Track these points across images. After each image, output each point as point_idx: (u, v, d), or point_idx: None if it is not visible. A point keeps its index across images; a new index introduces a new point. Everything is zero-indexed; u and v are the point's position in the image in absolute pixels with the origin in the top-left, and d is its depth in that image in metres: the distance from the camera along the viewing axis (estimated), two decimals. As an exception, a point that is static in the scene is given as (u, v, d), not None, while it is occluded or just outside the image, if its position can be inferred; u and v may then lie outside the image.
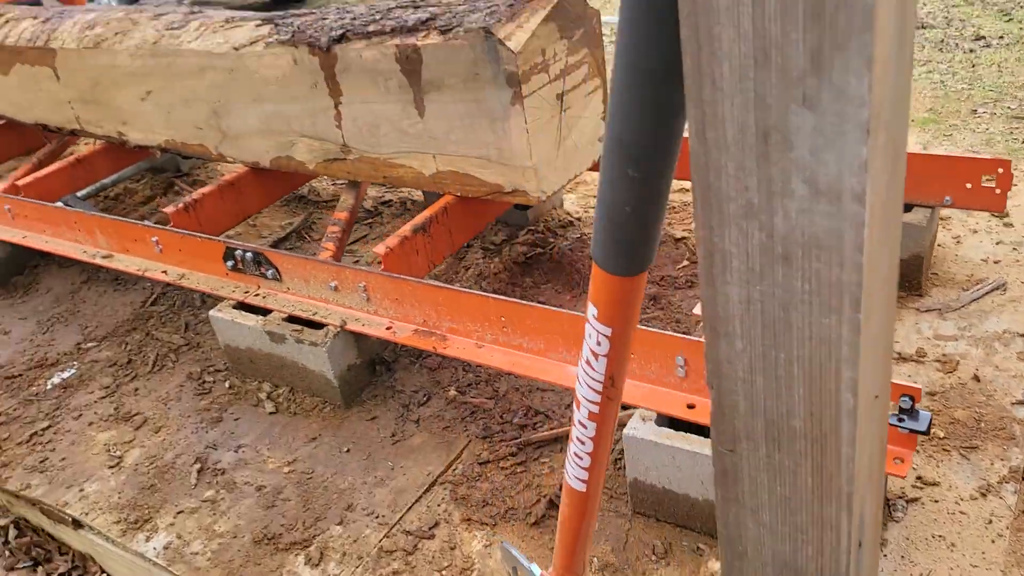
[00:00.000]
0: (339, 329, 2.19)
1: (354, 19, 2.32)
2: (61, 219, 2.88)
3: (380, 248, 2.19)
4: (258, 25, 2.56)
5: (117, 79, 2.97)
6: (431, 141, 2.29)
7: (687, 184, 2.85)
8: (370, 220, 3.19)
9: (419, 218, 2.31)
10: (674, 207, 2.89)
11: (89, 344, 2.76)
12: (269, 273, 2.35)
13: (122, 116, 3.08)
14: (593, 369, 0.90)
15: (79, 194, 3.20)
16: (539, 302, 2.49)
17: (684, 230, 2.71)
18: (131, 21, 2.93)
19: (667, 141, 0.74)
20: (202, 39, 2.66)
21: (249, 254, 2.36)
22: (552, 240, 2.75)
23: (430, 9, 2.22)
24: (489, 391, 2.19)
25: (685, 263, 2.54)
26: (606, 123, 0.77)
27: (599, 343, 0.89)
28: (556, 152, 2.22)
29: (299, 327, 2.24)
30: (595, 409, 0.93)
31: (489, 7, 2.08)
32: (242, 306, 2.40)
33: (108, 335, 2.79)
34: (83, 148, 4.03)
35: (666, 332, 1.72)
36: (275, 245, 3.10)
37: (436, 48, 2.12)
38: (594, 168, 2.40)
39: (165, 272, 2.60)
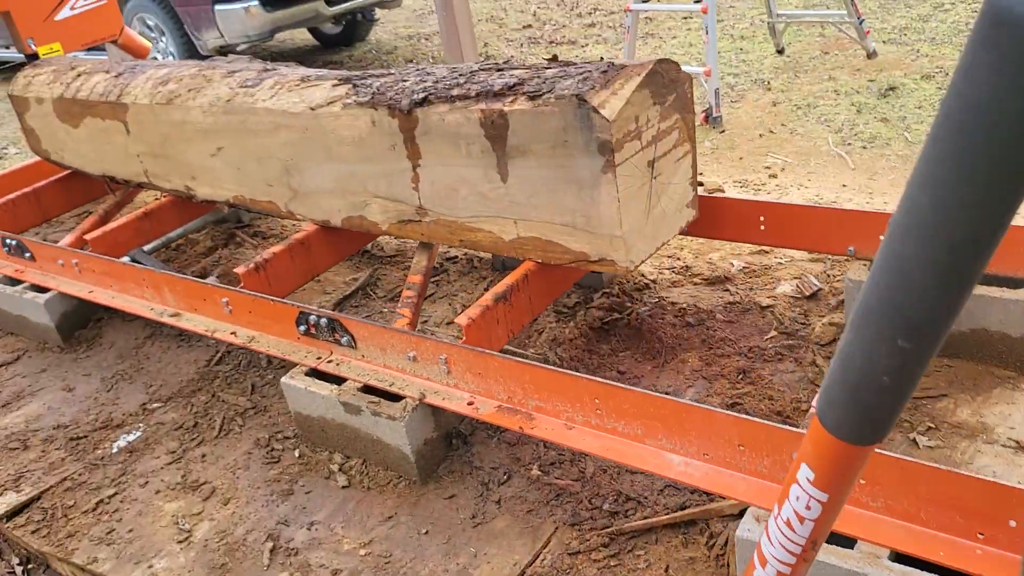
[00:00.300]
0: (418, 402, 2.11)
1: (436, 82, 2.27)
2: (129, 276, 2.85)
3: (462, 319, 2.10)
4: (335, 85, 2.53)
5: (188, 135, 2.96)
6: (512, 206, 2.22)
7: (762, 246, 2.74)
8: (436, 278, 3.13)
9: (500, 286, 2.23)
10: (754, 270, 2.78)
11: (154, 405, 2.71)
12: (344, 340, 2.28)
13: (191, 171, 3.07)
14: (794, 532, 0.80)
15: (145, 248, 3.19)
16: (618, 372, 2.39)
17: (768, 297, 2.60)
18: (204, 78, 2.92)
19: (955, 312, 0.64)
20: (277, 98, 2.64)
21: (324, 320, 2.30)
22: (629, 304, 2.65)
23: (516, 73, 2.16)
24: (575, 471, 2.09)
25: (773, 333, 2.43)
26: (869, 279, 0.68)
27: (809, 508, 0.78)
28: (645, 220, 2.13)
29: (376, 398, 2.16)
30: (786, 570, 0.83)
31: (581, 73, 2.01)
32: (315, 373, 2.33)
33: (173, 395, 2.74)
34: (148, 200, 4.05)
35: (783, 427, 1.60)
36: (340, 303, 3.04)
37: (524, 114, 2.05)
38: (680, 233, 2.31)
39: (234, 334, 2.55)
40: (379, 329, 2.19)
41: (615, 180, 1.98)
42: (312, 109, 2.52)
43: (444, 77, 2.28)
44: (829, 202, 3.74)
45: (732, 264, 2.82)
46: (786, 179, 4.17)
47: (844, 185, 3.97)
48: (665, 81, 2.07)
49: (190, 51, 6.85)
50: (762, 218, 2.41)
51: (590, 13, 8.49)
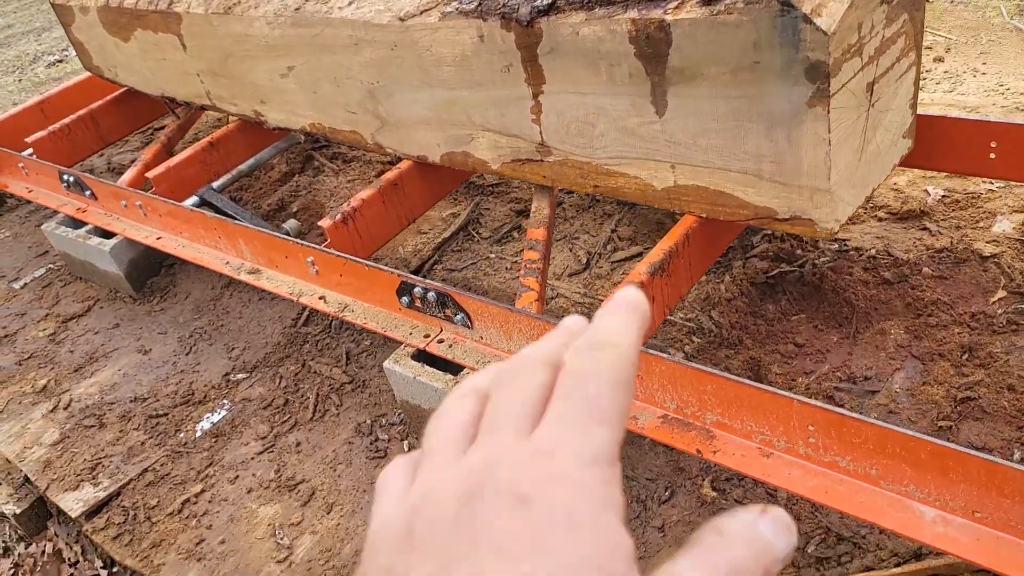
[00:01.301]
0: (556, 404, 1.68)
1: (565, -19, 1.71)
2: (199, 223, 2.46)
3: (613, 303, 1.63)
4: (428, -14, 1.99)
5: (252, 51, 2.48)
6: (670, 146, 1.70)
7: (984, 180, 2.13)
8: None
9: (656, 253, 1.73)
10: (957, 200, 2.21)
11: (239, 376, 2.37)
12: (457, 318, 1.85)
13: (259, 94, 2.60)
14: None
15: (215, 185, 2.78)
16: (795, 345, 1.91)
17: (987, 241, 2.03)
18: (266, -20, 2.40)
19: None
20: (356, 5, 2.11)
21: (432, 294, 1.86)
22: (802, 253, 2.13)
23: (678, -35, 1.59)
24: (760, 492, 1.65)
25: (1002, 293, 1.88)
26: None
27: None
28: (857, 164, 1.59)
29: (502, 397, 1.74)
30: None
31: (781, -36, 1.43)
32: (423, 355, 1.92)
33: (259, 363, 2.39)
34: (215, 121, 3.63)
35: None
36: (440, 247, 2.60)
37: (695, 25, 1.50)
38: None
39: (324, 299, 2.15)
40: (503, 311, 1.74)
41: (827, 115, 1.44)
42: (402, 20, 1.99)
43: (575, -27, 1.72)
44: (1016, 91, 3.05)
45: (928, 192, 2.24)
46: (954, 63, 3.45)
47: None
48: (896, -32, 1.48)
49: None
50: (993, 144, 1.82)
51: None
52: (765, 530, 0.37)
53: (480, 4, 1.82)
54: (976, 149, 1.84)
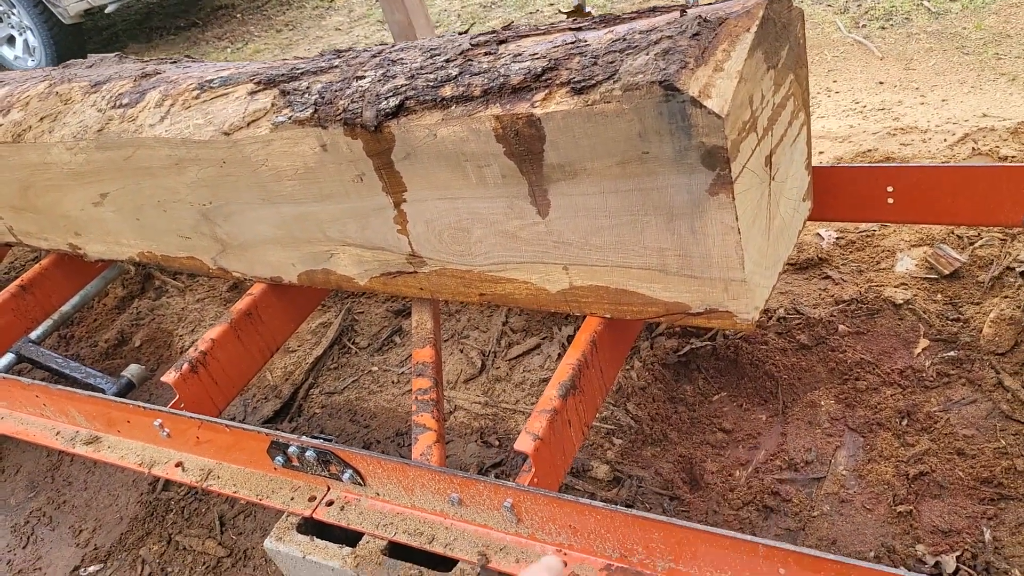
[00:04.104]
0: (479, 569, 1.42)
1: (411, 76, 1.48)
2: (17, 391, 2.06)
3: (525, 445, 1.39)
4: (253, 92, 1.71)
5: (56, 180, 2.12)
6: (559, 247, 1.49)
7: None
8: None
9: (563, 371, 1.51)
10: (853, 241, 2.11)
11: (91, 569, 1.98)
12: (345, 475, 1.57)
13: (72, 226, 2.24)
14: None
15: (33, 336, 2.37)
16: (722, 432, 1.75)
17: (899, 286, 1.93)
18: (60, 98, 2.05)
19: None
20: (170, 120, 1.81)
21: (310, 452, 1.57)
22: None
23: (537, 48, 1.39)
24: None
25: (925, 343, 1.78)
26: None
27: None
28: (767, 244, 1.43)
29: (414, 568, 1.47)
30: None
31: (656, 40, 1.25)
32: (311, 524, 1.62)
33: (114, 548, 2.01)
34: (25, 256, 3.18)
35: None
36: (314, 366, 2.30)
37: (570, 118, 1.30)
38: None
39: (181, 466, 1.81)
40: (399, 466, 1.47)
41: (732, 202, 1.26)
42: (227, 135, 1.70)
43: (422, 67, 1.49)
44: (874, 108, 3.07)
45: (821, 236, 2.13)
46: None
47: (880, 83, 3.28)
48: (776, 29, 1.33)
49: (49, 24, 5.70)
50: (890, 188, 1.72)
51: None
52: None
53: (316, 111, 1.57)
54: (874, 196, 1.73)
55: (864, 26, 3.80)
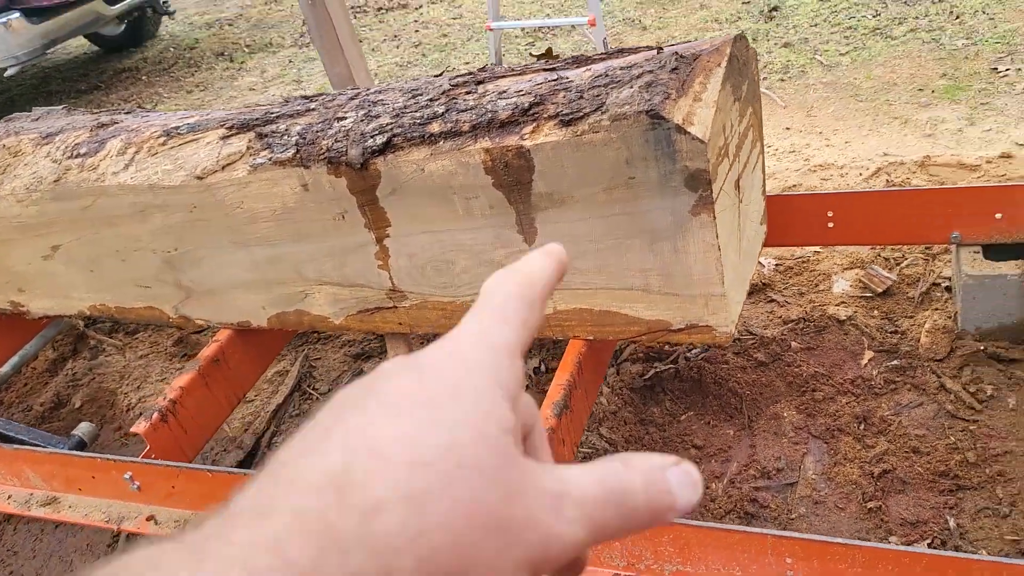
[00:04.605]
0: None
1: (396, 115, 1.54)
2: (-40, 456, 1.94)
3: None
4: (226, 136, 1.73)
5: (2, 234, 2.05)
6: (544, 273, 1.56)
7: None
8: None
9: (555, 391, 1.57)
10: (791, 268, 2.27)
11: (50, 639, 1.87)
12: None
13: (17, 281, 2.16)
14: None
15: (-29, 399, 2.25)
16: (694, 448, 1.83)
17: (839, 304, 2.08)
18: (8, 151, 2.01)
19: None
20: (136, 167, 1.80)
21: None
22: (671, 348, 2.07)
23: (520, 86, 1.48)
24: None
25: (870, 354, 1.92)
26: None
27: None
28: (739, 262, 1.54)
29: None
30: None
31: (639, 75, 1.36)
32: None
33: (74, 615, 1.91)
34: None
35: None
36: (275, 415, 2.27)
37: (558, 148, 1.38)
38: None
39: (153, 519, 1.75)
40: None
41: (713, 221, 1.37)
42: (200, 179, 1.71)
43: (406, 106, 1.55)
44: (785, 151, 3.31)
45: (761, 263, 2.28)
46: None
47: (787, 128, 3.55)
48: (739, 66, 1.47)
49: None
50: (830, 213, 1.88)
51: (409, -34, 7.66)
52: (671, 477, 0.38)
53: (298, 151, 1.60)
54: (816, 221, 1.89)
55: (765, 79, 4.09)
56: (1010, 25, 3.90)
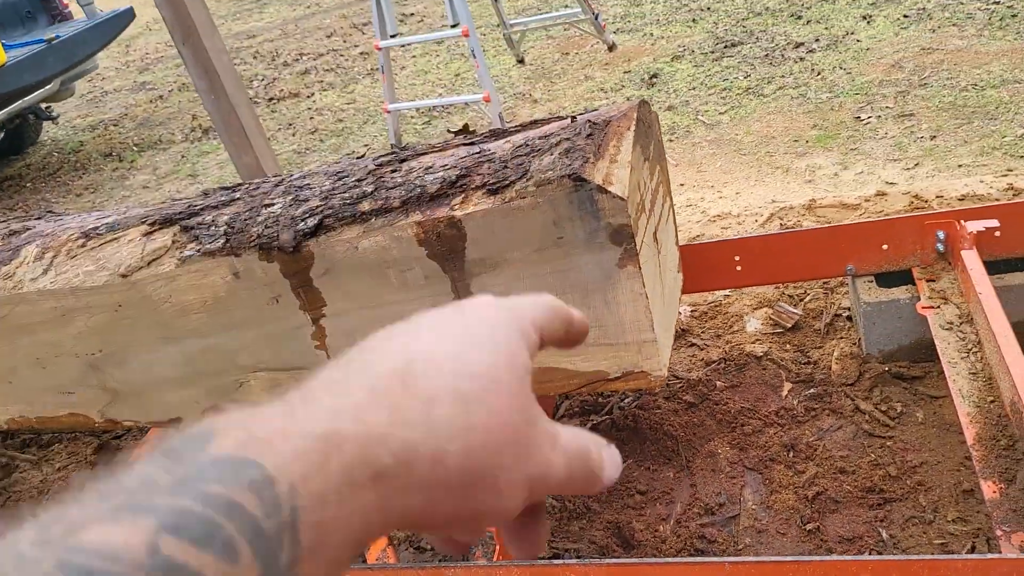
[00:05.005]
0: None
1: (326, 197, 1.59)
2: None
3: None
4: (148, 233, 1.73)
5: (-96, 354, 1.96)
6: (482, 337, 1.61)
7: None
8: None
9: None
10: (705, 312, 2.40)
11: None
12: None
13: (-79, 403, 2.05)
14: None
15: None
16: (638, 494, 1.89)
17: (754, 342, 2.21)
18: (-91, 266, 1.93)
19: None
20: (55, 272, 1.77)
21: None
22: (605, 400, 2.14)
23: (444, 160, 1.55)
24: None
25: (789, 386, 2.04)
26: None
27: None
28: (664, 308, 1.63)
29: (390, 676, 1.45)
30: None
31: (556, 144, 1.46)
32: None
33: None
34: None
35: None
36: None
37: (488, 216, 1.46)
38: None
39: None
40: (355, 572, 1.47)
41: (639, 271, 1.46)
42: (125, 276, 1.70)
43: (334, 188, 1.60)
44: (682, 205, 3.50)
45: (678, 311, 2.40)
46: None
47: (682, 184, 3.76)
48: (645, 128, 1.59)
49: None
50: (737, 257, 2.01)
51: (296, 60, 7.78)
52: (605, 455, 0.49)
53: (228, 240, 1.62)
54: (725, 266, 2.02)
55: (655, 140, 4.33)
56: (866, 77, 4.28)
